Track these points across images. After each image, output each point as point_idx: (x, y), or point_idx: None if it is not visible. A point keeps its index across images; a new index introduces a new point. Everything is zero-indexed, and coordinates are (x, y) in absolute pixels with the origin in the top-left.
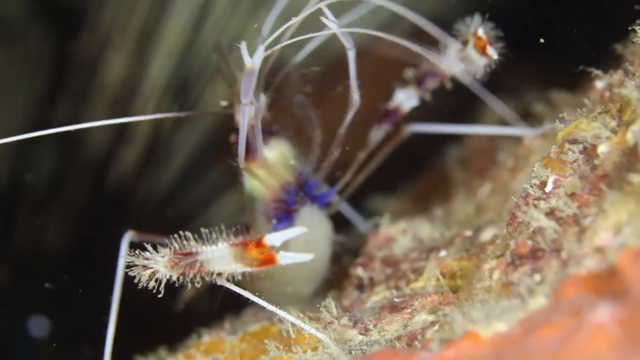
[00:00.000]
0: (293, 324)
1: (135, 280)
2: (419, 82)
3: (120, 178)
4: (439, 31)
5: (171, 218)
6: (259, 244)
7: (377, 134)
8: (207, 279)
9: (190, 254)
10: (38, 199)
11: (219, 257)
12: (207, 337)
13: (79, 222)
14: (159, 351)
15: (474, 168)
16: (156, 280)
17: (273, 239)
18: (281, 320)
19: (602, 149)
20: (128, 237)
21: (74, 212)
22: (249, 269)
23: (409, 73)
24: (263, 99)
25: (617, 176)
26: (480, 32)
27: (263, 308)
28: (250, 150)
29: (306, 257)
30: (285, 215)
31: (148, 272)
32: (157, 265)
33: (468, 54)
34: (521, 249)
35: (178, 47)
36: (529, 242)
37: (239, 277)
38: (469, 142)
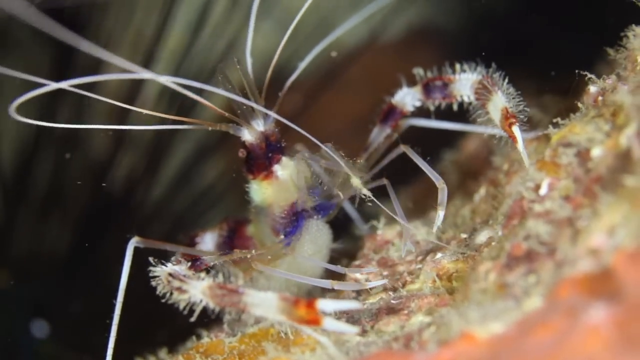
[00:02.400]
0: (291, 326)
1: (164, 296)
2: (426, 89)
3: (120, 182)
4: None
5: (170, 221)
6: (310, 305)
7: (379, 134)
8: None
9: (236, 291)
10: (40, 202)
11: (266, 305)
12: (206, 339)
13: (79, 225)
14: (159, 353)
15: (469, 172)
16: (188, 303)
17: (326, 306)
18: (280, 322)
19: (595, 152)
20: (133, 242)
21: (74, 216)
22: (289, 323)
23: (419, 72)
24: (272, 117)
25: (610, 179)
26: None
27: None
28: (261, 167)
29: (352, 329)
30: (293, 229)
31: (185, 296)
32: (195, 291)
33: (493, 119)
34: (516, 251)
35: (177, 53)
36: (524, 244)
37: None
38: (464, 146)
